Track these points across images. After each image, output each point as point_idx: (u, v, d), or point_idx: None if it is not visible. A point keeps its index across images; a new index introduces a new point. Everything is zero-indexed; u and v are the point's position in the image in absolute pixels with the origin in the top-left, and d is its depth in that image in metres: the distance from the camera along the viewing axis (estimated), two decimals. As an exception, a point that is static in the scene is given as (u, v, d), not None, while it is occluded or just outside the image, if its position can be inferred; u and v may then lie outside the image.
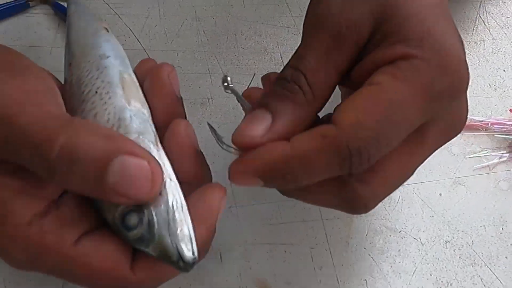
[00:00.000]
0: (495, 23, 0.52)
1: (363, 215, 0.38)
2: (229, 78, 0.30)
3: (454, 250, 0.37)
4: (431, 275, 0.36)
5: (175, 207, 0.24)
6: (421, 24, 0.26)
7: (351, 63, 0.28)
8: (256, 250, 0.36)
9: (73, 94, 0.29)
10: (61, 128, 0.22)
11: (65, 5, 0.46)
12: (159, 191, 0.24)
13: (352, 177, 0.26)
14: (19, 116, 0.23)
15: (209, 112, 0.42)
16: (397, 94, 0.25)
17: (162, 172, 0.24)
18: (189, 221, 0.24)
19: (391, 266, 0.36)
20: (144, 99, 0.29)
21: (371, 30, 0.27)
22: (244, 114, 0.28)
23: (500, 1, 0.54)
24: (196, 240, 0.24)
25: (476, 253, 0.37)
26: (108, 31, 0.34)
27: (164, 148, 0.27)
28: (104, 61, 0.30)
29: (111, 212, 0.25)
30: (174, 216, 0.24)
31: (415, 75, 0.25)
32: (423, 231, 0.38)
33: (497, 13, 0.53)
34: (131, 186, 0.23)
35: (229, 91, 0.30)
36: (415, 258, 0.37)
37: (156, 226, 0.23)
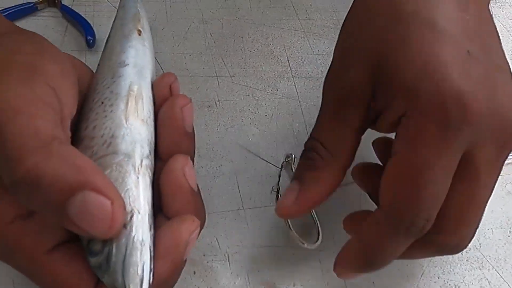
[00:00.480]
0: (502, 26, 0.52)
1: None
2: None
3: (461, 253, 0.37)
4: (438, 278, 0.36)
5: (135, 244, 0.24)
6: (413, 67, 0.27)
7: (365, 117, 0.30)
8: (264, 253, 0.36)
9: (86, 99, 0.29)
10: (35, 150, 0.22)
11: (73, 8, 0.46)
12: (118, 232, 0.24)
13: (427, 234, 0.28)
14: (7, 125, 0.22)
15: (216, 114, 0.42)
16: (416, 156, 0.27)
17: (124, 214, 0.24)
18: (147, 259, 0.24)
19: (399, 269, 0.36)
20: (149, 116, 0.29)
21: (373, 84, 0.29)
22: None
23: (507, 4, 0.55)
24: (155, 275, 0.24)
25: (484, 256, 0.37)
26: (140, 34, 0.34)
27: (158, 181, 0.27)
28: (121, 69, 0.30)
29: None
30: (132, 253, 0.23)
31: (418, 129, 0.27)
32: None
33: (504, 16, 0.53)
34: (88, 223, 0.22)
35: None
36: (423, 261, 0.36)
37: (113, 259, 0.23)
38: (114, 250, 0.23)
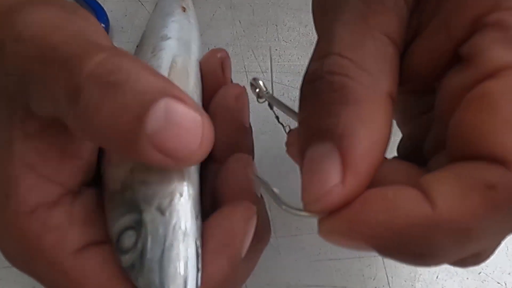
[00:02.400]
0: None
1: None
2: (261, 82, 0.24)
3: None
4: None
5: (176, 234, 0.19)
6: None
7: (404, 28, 0.19)
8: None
9: None
10: (104, 48, 0.18)
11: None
12: (205, 155, 0.19)
13: None
14: (53, 34, 0.19)
15: (246, 118, 0.36)
16: None
17: (214, 132, 0.19)
18: (192, 255, 0.19)
19: None
20: (194, 90, 0.26)
21: None
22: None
23: None
24: (210, 275, 0.19)
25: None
26: (184, 11, 0.32)
27: (213, 184, 0.23)
28: (163, 43, 0.28)
29: (111, 226, 0.21)
30: (172, 245, 0.19)
31: None
32: (509, 273, 0.31)
33: None
34: (174, 138, 0.17)
35: (263, 99, 0.24)
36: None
37: (147, 255, 0.19)
38: (149, 244, 0.19)
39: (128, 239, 0.20)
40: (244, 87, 0.25)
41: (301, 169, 0.18)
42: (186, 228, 0.20)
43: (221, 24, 0.41)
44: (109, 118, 0.17)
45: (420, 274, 0.31)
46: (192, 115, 0.18)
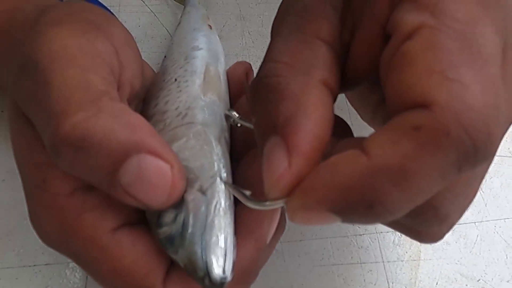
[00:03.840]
0: None
1: (434, 258, 0.32)
2: (234, 113, 0.25)
3: None
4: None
5: (217, 211, 0.21)
6: None
7: (338, 31, 0.20)
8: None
9: (155, 83, 0.28)
10: (83, 104, 0.19)
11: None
12: (175, 202, 0.21)
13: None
14: (56, 75, 0.20)
15: (252, 126, 0.37)
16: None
17: (184, 181, 0.21)
18: (231, 232, 0.21)
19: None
20: (226, 96, 0.27)
21: None
22: None
23: None
24: (238, 257, 0.21)
25: None
26: (211, 28, 0.34)
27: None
28: (195, 52, 0.29)
29: None
30: (214, 221, 0.20)
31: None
32: (508, 281, 0.32)
33: None
34: (145, 192, 0.19)
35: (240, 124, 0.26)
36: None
37: (189, 230, 0.20)
38: (191, 220, 0.20)
39: (168, 216, 0.21)
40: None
41: None
42: (226, 207, 0.21)
43: (231, 35, 0.41)
44: (84, 174, 0.20)
45: (420, 281, 0.31)
46: (162, 168, 0.20)
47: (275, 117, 0.18)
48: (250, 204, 0.20)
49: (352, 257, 0.31)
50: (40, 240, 0.22)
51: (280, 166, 0.18)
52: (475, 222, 0.34)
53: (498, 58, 0.18)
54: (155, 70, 0.31)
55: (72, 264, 0.29)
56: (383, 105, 0.22)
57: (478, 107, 0.16)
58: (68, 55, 0.21)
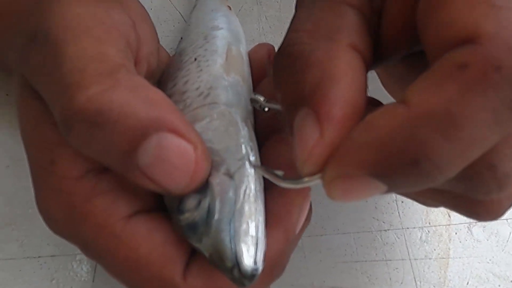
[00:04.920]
0: None
1: (464, 256, 0.30)
2: (260, 97, 0.23)
3: None
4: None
5: (247, 197, 0.19)
6: None
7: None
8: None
9: (172, 63, 0.26)
10: (99, 76, 0.17)
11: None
12: (199, 185, 0.19)
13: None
14: (68, 45, 0.18)
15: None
16: None
17: (208, 163, 0.19)
18: (262, 219, 0.19)
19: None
20: (249, 78, 0.26)
21: None
22: None
23: None
24: (267, 247, 0.19)
25: None
26: (230, 9, 0.32)
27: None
28: (215, 32, 0.28)
29: None
30: (243, 207, 0.19)
31: None
32: (544, 282, 0.30)
33: None
34: (164, 174, 0.18)
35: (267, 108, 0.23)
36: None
37: (216, 216, 0.18)
38: (217, 205, 0.18)
39: (190, 201, 0.19)
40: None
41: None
42: (256, 193, 0.19)
43: (247, 19, 0.40)
44: (98, 153, 0.18)
45: (450, 280, 0.29)
46: (185, 148, 0.18)
47: (302, 88, 0.16)
48: (284, 184, 0.18)
49: (376, 254, 0.30)
50: (45, 230, 0.20)
51: (312, 138, 0.16)
52: (507, 219, 0.32)
53: None
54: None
55: (80, 256, 0.28)
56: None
57: None
58: (82, 25, 0.19)
